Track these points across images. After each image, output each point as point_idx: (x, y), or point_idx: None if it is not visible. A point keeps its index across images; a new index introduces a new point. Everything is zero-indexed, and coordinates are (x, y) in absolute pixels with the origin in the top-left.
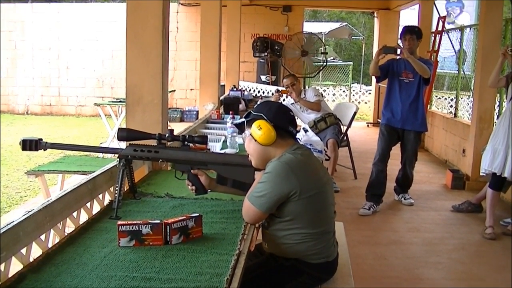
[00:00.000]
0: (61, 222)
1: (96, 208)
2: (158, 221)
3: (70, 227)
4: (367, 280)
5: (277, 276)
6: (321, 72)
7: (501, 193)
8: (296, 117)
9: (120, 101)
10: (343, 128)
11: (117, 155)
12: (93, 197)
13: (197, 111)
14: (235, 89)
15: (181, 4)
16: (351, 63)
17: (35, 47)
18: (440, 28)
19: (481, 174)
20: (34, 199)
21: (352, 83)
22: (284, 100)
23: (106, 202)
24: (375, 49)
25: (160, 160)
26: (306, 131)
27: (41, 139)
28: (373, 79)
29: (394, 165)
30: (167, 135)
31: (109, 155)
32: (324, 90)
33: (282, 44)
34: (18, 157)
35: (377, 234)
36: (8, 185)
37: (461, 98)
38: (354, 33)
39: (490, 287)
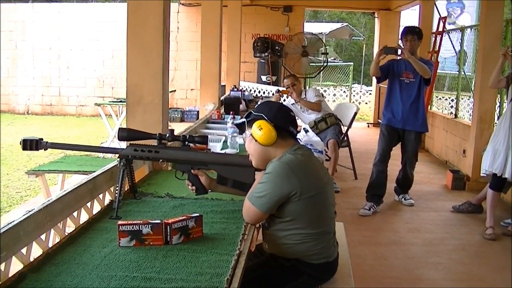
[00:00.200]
0: (62, 222)
1: (97, 208)
2: (159, 221)
3: (70, 227)
4: (367, 280)
5: (277, 276)
6: (321, 73)
7: (501, 193)
8: (296, 118)
9: (121, 101)
10: (344, 129)
11: (117, 155)
12: (94, 197)
13: (198, 111)
14: (235, 89)
15: (182, 4)
16: (352, 63)
17: (35, 47)
18: (440, 29)
19: (481, 174)
20: (35, 198)
21: (353, 84)
22: (284, 100)
23: (107, 202)
24: (376, 49)
25: (161, 160)
26: (306, 131)
27: (42, 139)
28: (374, 79)
29: (394, 166)
30: (167, 135)
31: (109, 155)
32: (325, 91)
33: (283, 45)
34: (18, 156)
35: (377, 235)
36: (8, 185)
37: (462, 99)
38: (354, 33)
39: (490, 287)
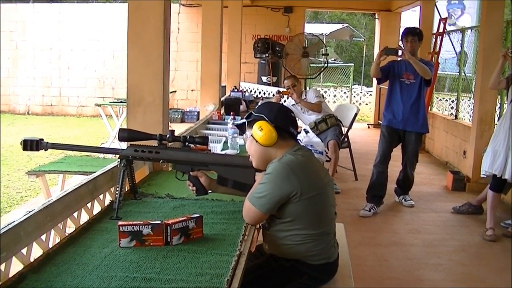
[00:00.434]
0: (62, 222)
1: (97, 209)
2: (159, 222)
3: (70, 228)
4: (367, 281)
5: (277, 277)
6: (322, 74)
7: (501, 195)
8: (297, 118)
9: (121, 102)
10: (344, 130)
11: (118, 156)
12: (94, 197)
13: (198, 112)
14: (236, 90)
15: (182, 5)
16: (352, 64)
17: (36, 47)
18: (441, 30)
19: (481, 175)
20: (35, 199)
21: (353, 85)
22: (285, 101)
23: (107, 202)
24: (376, 50)
25: (161, 160)
26: (307, 132)
27: (42, 139)
28: (374, 80)
29: (394, 167)
30: (168, 135)
31: (110, 156)
32: (325, 92)
33: (283, 45)
34: (19, 157)
35: (378, 236)
36: (8, 185)
37: (462, 100)
38: (355, 34)
39: None
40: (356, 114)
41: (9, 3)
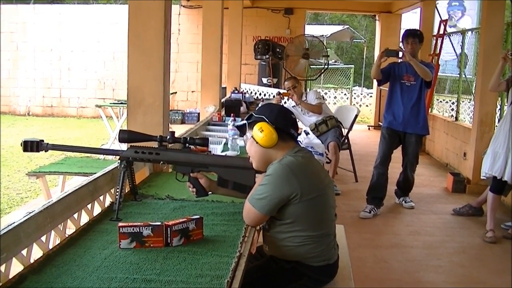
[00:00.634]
0: (62, 224)
1: (97, 210)
2: (159, 223)
3: (70, 229)
4: (367, 283)
5: (277, 279)
6: (322, 75)
7: (501, 196)
8: (297, 120)
9: (122, 103)
10: (344, 131)
11: (118, 157)
12: (94, 198)
13: (198, 113)
14: (236, 92)
15: (183, 6)
16: (353, 66)
17: (36, 49)
18: (441, 32)
19: (481, 177)
20: (35, 200)
21: (354, 86)
22: (285, 102)
23: (107, 203)
24: (377, 52)
25: (161, 162)
26: (307, 133)
27: (42, 141)
28: (375, 82)
29: (395, 168)
30: (168, 137)
31: (110, 157)
32: (326, 93)
33: (284, 47)
34: (19, 158)
35: (378, 237)
36: (9, 186)
37: (462, 102)
38: (355, 36)
39: None
40: (356, 116)
41: (9, 4)
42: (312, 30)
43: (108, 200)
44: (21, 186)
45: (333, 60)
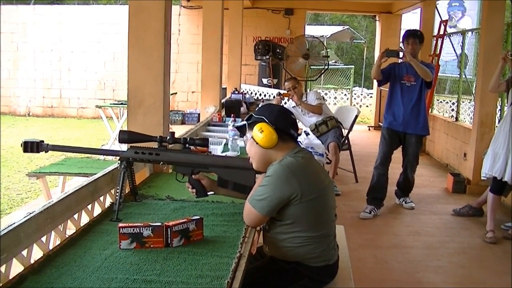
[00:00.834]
0: (62, 224)
1: (97, 210)
2: (159, 224)
3: (71, 229)
4: (367, 283)
5: (277, 279)
6: (322, 76)
7: (502, 197)
8: (297, 120)
9: (122, 103)
10: (345, 132)
11: (118, 158)
12: (94, 199)
13: (199, 114)
14: (236, 92)
15: (183, 6)
16: (353, 66)
17: (37, 49)
18: (441, 32)
19: (482, 178)
20: (35, 201)
21: (354, 87)
22: (285, 103)
23: (107, 204)
24: (377, 52)
25: (161, 162)
26: (307, 134)
27: (43, 141)
28: (375, 82)
29: (395, 169)
30: (168, 137)
31: (110, 157)
32: (326, 94)
33: (284, 47)
34: (19, 158)
35: (378, 238)
36: (9, 187)
37: (463, 102)
38: (355, 36)
39: None
40: (356, 116)
41: (10, 4)
42: (312, 30)
43: (108, 201)
44: (21, 187)
45: (333, 61)
